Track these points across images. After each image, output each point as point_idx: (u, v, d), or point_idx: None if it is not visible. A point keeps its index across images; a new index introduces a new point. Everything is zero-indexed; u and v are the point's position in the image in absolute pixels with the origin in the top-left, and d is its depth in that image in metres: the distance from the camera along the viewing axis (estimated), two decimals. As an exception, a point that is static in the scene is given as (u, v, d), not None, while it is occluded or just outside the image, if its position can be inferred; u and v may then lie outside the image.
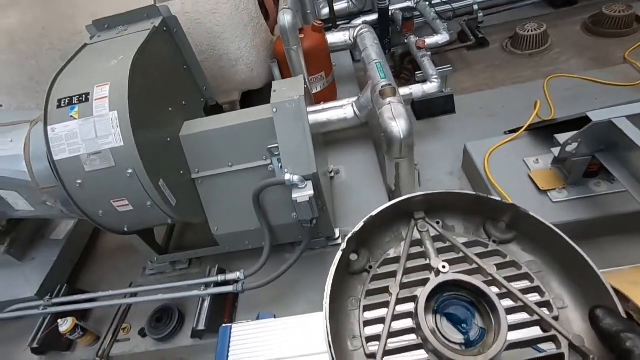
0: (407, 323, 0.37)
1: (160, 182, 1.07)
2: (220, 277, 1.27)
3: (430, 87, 1.86)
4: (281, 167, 1.20)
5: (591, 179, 1.40)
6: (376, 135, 1.91)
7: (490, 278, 0.36)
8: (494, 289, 0.36)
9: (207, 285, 1.27)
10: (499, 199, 0.40)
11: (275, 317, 0.79)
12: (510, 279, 0.37)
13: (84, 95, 1.03)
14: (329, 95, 1.97)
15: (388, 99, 1.50)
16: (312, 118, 1.69)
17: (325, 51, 1.83)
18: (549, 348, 0.35)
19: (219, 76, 1.79)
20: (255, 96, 2.04)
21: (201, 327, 1.19)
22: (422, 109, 2.06)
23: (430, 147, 1.95)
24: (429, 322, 0.35)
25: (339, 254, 0.40)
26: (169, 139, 1.18)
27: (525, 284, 0.37)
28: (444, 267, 0.38)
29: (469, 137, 1.78)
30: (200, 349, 1.30)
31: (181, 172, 1.22)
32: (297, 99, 1.12)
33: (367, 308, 0.40)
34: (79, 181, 1.04)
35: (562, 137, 1.33)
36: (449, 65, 1.97)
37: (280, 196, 1.22)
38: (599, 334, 0.32)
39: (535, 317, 0.35)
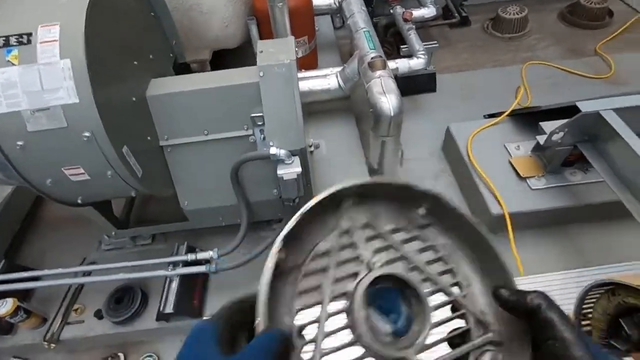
0: (341, 320, 0.36)
1: (124, 149, 0.91)
2: (191, 256, 1.15)
3: (417, 63, 1.78)
4: (264, 138, 1.08)
5: (567, 168, 1.43)
6: (358, 109, 1.83)
7: (413, 264, 0.38)
8: (416, 274, 0.38)
9: (175, 264, 1.16)
10: (425, 188, 0.40)
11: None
12: (429, 262, 0.39)
13: (25, 36, 0.83)
14: (310, 62, 1.83)
15: (378, 72, 1.41)
16: (293, 86, 1.56)
17: (310, 12, 1.68)
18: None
19: (188, 30, 1.58)
20: (228, 57, 1.85)
21: (169, 310, 1.09)
22: (404, 86, 1.98)
23: (411, 126, 1.90)
24: (362, 315, 0.34)
25: (274, 258, 0.34)
26: (134, 99, 1.01)
27: (440, 265, 0.39)
28: (377, 261, 0.38)
29: (449, 118, 1.75)
30: (165, 332, 1.20)
31: (148, 137, 1.06)
32: (288, 63, 1.00)
33: (299, 311, 0.36)
34: (19, 143, 0.86)
35: (547, 126, 1.33)
36: (435, 42, 1.90)
37: (261, 171, 1.12)
38: (507, 308, 0.35)
39: (450, 298, 0.37)
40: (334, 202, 0.39)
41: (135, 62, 1.05)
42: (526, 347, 0.34)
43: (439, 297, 0.37)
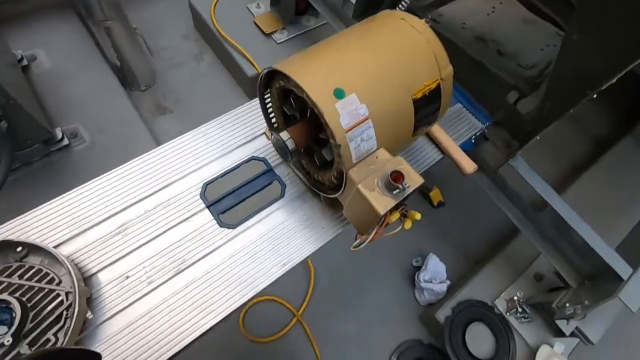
0: None
1: None
2: None
3: None
4: None
5: (302, 16, 1.55)
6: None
7: (16, 285, 0.56)
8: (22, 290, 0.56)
9: None
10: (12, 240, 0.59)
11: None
12: (34, 274, 0.57)
13: None
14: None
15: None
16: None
17: None
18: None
19: None
20: None
21: None
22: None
23: (152, 8, 1.68)
24: None
25: None
26: None
27: (41, 273, 0.58)
28: None
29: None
30: None
31: None
32: None
33: None
34: None
35: (269, -26, 1.36)
36: None
37: None
38: None
39: (48, 289, 0.57)
40: None
41: None
42: None
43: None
